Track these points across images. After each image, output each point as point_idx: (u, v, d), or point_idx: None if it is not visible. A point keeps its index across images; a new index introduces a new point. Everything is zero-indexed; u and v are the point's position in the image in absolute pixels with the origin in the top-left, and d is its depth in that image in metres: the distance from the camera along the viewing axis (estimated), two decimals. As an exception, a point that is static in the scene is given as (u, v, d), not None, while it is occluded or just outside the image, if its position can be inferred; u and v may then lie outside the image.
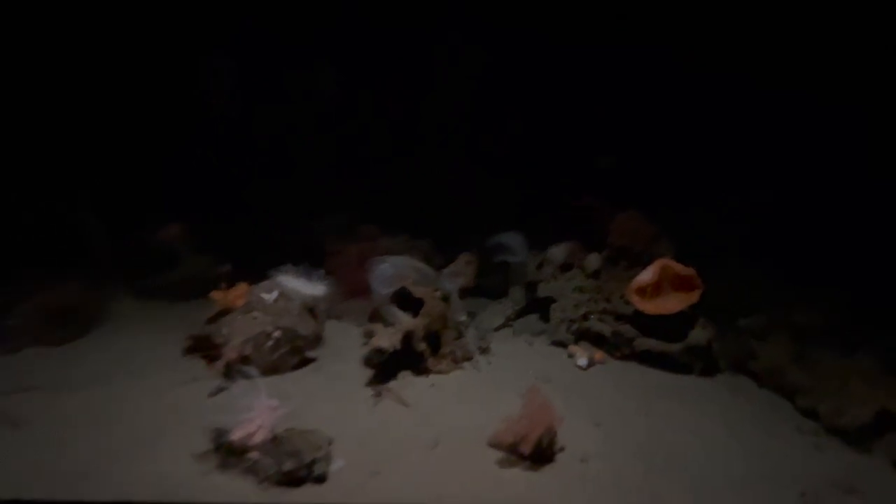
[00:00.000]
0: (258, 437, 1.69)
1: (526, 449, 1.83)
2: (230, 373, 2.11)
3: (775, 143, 3.56)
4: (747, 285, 3.00)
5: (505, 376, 2.56)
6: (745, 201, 3.47)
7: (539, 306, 3.19)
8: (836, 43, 3.29)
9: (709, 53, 3.54)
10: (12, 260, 2.63)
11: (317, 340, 2.60)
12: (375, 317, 2.59)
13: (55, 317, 2.43)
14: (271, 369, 2.29)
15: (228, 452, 1.71)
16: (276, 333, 2.28)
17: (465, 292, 3.25)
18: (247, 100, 3.84)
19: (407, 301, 2.59)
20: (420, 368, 2.46)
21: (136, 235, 3.15)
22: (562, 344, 2.89)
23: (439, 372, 2.48)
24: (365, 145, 4.28)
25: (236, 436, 1.69)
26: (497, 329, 3.18)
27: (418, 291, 2.57)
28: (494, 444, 1.93)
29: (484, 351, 2.74)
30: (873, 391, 2.17)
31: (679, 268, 2.60)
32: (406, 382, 2.39)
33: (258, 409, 1.73)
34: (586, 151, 3.94)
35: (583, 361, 2.68)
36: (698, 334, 2.63)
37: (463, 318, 2.77)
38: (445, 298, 2.73)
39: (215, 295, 2.32)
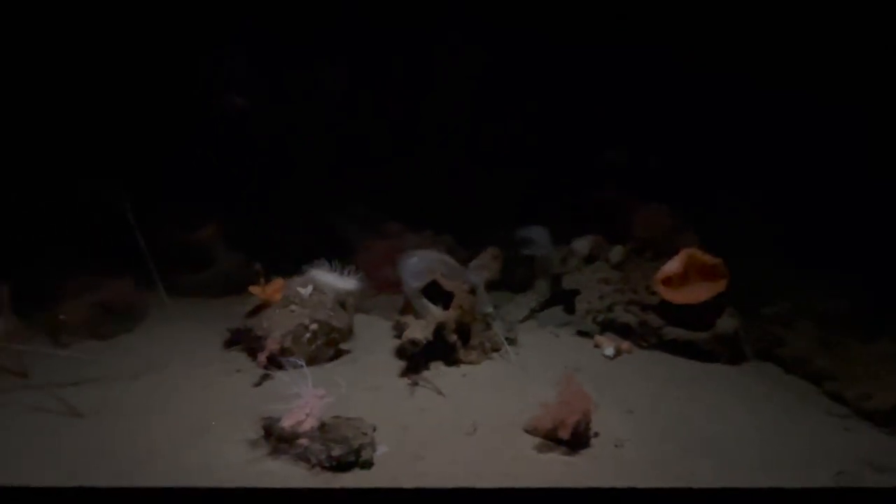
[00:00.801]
0: (307, 425, 1.76)
1: (564, 434, 1.88)
2: (274, 363, 2.19)
3: (785, 135, 3.57)
4: (771, 273, 3.03)
5: (534, 366, 2.62)
6: (757, 196, 3.49)
7: (564, 298, 3.24)
8: (840, 41, 3.29)
9: (711, 51, 3.56)
10: (64, 256, 2.74)
11: (349, 333, 2.67)
12: (407, 309, 2.66)
13: (106, 312, 2.53)
14: (310, 360, 2.34)
15: (280, 439, 1.78)
16: (313, 326, 2.36)
17: (490, 286, 3.32)
18: (260, 98, 3.91)
19: (437, 294, 2.65)
20: (451, 359, 2.52)
21: (176, 234, 3.25)
22: (587, 334, 2.94)
23: (470, 362, 2.55)
24: (382, 144, 4.35)
25: (286, 423, 1.76)
26: (523, 321, 3.23)
27: (448, 285, 2.63)
28: (531, 430, 1.99)
29: (512, 342, 2.80)
30: (900, 375, 2.19)
31: (706, 257, 2.64)
32: (439, 373, 2.46)
33: (306, 398, 1.79)
34: (600, 146, 3.99)
35: (609, 351, 2.72)
36: (725, 322, 2.67)
37: (490, 310, 2.83)
38: (472, 291, 2.79)
39: (254, 290, 2.40)
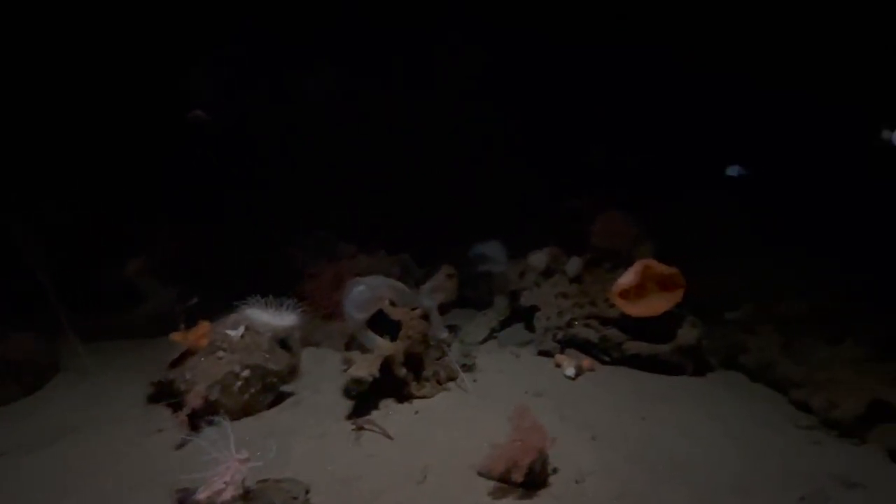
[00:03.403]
0: (226, 495, 1.55)
1: (518, 477, 1.73)
2: (196, 422, 1.96)
3: (751, 135, 3.57)
4: (733, 278, 2.97)
5: (493, 393, 2.46)
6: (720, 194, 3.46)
7: (523, 315, 3.10)
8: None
9: (697, 54, 3.55)
10: None
11: (292, 373, 2.46)
12: (352, 344, 2.46)
13: (6, 372, 2.24)
14: (244, 411, 2.15)
15: (195, 514, 1.56)
16: (245, 373, 2.14)
17: (447, 306, 3.16)
18: (221, 115, 3.72)
19: (385, 324, 2.46)
20: (403, 395, 2.34)
21: (95, 272, 2.96)
22: (548, 354, 2.81)
23: (423, 396, 2.37)
24: (345, 158, 4.18)
25: (202, 496, 1.55)
26: (482, 342, 3.08)
27: (396, 313, 2.45)
28: (485, 473, 1.83)
29: (469, 368, 2.64)
30: (862, 379, 2.13)
31: (661, 267, 2.54)
32: (389, 411, 2.27)
33: (225, 464, 1.58)
34: (573, 151, 3.92)
35: (570, 371, 2.59)
36: (687, 333, 2.58)
37: (445, 335, 2.66)
38: (426, 316, 2.62)
39: (175, 337, 2.16)
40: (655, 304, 2.52)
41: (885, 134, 3.04)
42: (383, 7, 3.71)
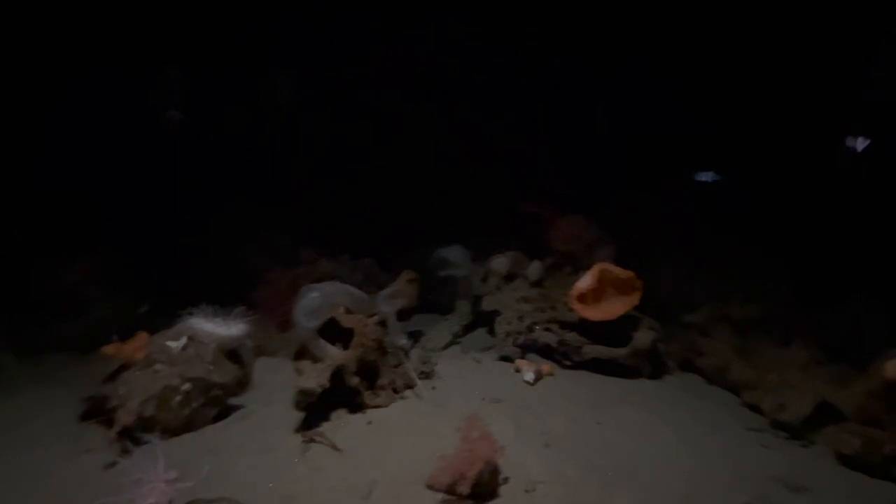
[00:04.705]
0: (152, 518, 1.46)
1: (464, 489, 1.68)
2: (129, 439, 1.85)
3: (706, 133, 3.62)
4: (690, 281, 2.99)
5: (451, 401, 2.41)
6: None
7: (486, 320, 3.07)
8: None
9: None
10: None
11: (241, 385, 2.36)
12: (303, 353, 2.38)
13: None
14: (185, 427, 2.04)
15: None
16: (185, 386, 2.03)
17: (408, 312, 3.09)
18: (179, 118, 3.61)
19: (338, 332, 2.39)
20: (355, 405, 2.27)
21: (32, 278, 2.80)
22: (509, 359, 2.77)
23: (377, 406, 2.30)
24: (302, 163, 4.11)
25: (126, 519, 1.46)
26: (444, 348, 3.03)
27: (348, 320, 2.37)
28: (432, 486, 1.78)
29: (427, 375, 2.58)
30: (811, 381, 2.15)
31: (617, 271, 2.54)
32: (340, 422, 2.19)
33: (150, 485, 1.49)
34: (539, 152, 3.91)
35: (529, 376, 2.56)
36: (642, 336, 2.57)
37: (403, 342, 2.60)
38: (383, 323, 2.56)
39: (108, 350, 2.04)
40: (612, 308, 2.52)
41: (849, 141, 3.14)
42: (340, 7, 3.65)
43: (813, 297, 2.69)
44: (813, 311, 2.59)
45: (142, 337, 2.09)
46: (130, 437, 1.86)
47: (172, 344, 2.12)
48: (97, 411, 2.02)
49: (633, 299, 2.51)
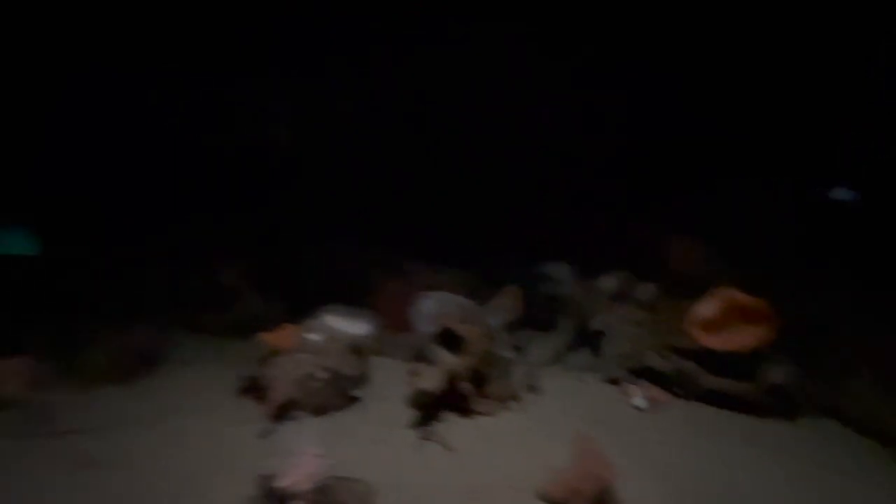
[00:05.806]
0: (303, 486, 1.69)
1: (580, 505, 1.70)
2: (280, 414, 2.15)
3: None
4: (829, 308, 2.67)
5: (554, 417, 2.42)
6: None
7: (591, 340, 3.02)
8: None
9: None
10: (80, 302, 2.91)
11: (362, 380, 2.60)
12: (419, 356, 2.56)
13: (124, 357, 2.63)
14: (319, 410, 2.31)
15: (274, 499, 1.71)
16: (322, 374, 2.31)
17: (511, 326, 3.16)
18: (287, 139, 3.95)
19: (451, 339, 2.54)
20: (465, 410, 2.38)
21: (200, 276, 3.38)
22: (616, 382, 2.71)
23: (485, 413, 2.39)
24: (405, 176, 4.31)
25: (282, 483, 1.70)
26: (547, 365, 3.04)
27: (462, 329, 2.51)
28: (544, 497, 1.81)
29: (531, 389, 2.62)
30: None
31: (746, 299, 2.37)
32: (451, 424, 2.32)
33: (303, 457, 1.73)
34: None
35: (640, 402, 2.48)
36: (775, 371, 2.37)
37: (508, 354, 2.68)
38: (490, 335, 2.66)
39: (264, 337, 2.40)
40: (739, 338, 2.35)
41: (835, 193, 2.72)
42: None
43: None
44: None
45: (289, 328, 2.42)
46: (280, 414, 2.16)
47: (312, 336, 2.43)
48: (253, 389, 2.37)
49: (767, 332, 2.32)
